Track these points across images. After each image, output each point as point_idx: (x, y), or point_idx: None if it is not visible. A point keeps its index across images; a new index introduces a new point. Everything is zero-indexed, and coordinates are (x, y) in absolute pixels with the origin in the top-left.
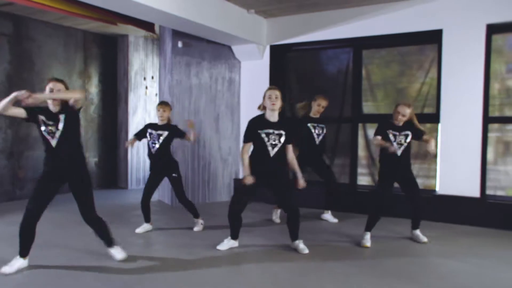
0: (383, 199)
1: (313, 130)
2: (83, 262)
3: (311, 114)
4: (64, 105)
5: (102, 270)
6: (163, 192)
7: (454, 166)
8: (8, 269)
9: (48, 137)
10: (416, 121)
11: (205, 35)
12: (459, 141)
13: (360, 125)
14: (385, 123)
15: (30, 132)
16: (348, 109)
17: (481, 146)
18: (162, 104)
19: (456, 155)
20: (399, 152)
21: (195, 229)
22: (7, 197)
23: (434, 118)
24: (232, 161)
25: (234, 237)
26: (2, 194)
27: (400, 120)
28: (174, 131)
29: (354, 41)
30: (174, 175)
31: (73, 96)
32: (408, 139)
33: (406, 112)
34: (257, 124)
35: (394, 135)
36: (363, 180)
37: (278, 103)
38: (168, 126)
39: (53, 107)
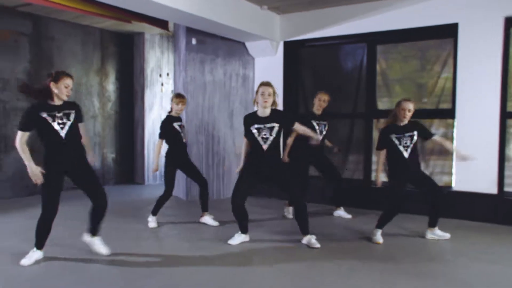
0: (399, 198)
1: (317, 127)
2: (94, 255)
3: (314, 110)
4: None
5: (113, 262)
6: (178, 187)
7: (471, 162)
8: (26, 261)
9: (58, 128)
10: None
11: (219, 32)
12: (475, 136)
13: (374, 121)
14: (386, 128)
15: None
16: (362, 105)
17: (499, 141)
18: (180, 97)
19: (472, 151)
20: (406, 155)
21: (207, 222)
22: (28, 192)
23: (450, 113)
24: None
25: (244, 231)
26: (23, 189)
27: (407, 117)
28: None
29: (368, 36)
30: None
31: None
32: (414, 140)
33: (411, 107)
34: (249, 120)
35: (398, 138)
36: None
37: (270, 100)
38: (181, 119)
39: (58, 101)
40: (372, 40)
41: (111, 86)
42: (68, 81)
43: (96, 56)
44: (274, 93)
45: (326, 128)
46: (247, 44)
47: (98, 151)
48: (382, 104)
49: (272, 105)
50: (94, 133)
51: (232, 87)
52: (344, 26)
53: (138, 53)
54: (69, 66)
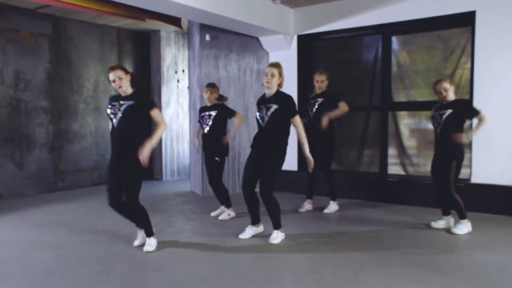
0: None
1: (314, 108)
2: (110, 247)
3: (316, 92)
4: (135, 91)
5: (124, 254)
6: (195, 183)
7: (489, 154)
8: (149, 247)
9: (112, 116)
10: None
11: (232, 27)
12: (493, 128)
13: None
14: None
15: (69, 127)
16: (377, 98)
17: None
18: (209, 86)
19: (490, 142)
20: (438, 131)
21: (221, 217)
22: (49, 188)
23: None
24: None
25: (254, 221)
26: (45, 186)
27: (442, 97)
28: (223, 110)
29: (382, 28)
30: (216, 158)
31: (162, 132)
32: (444, 117)
33: (446, 86)
34: (258, 102)
35: (433, 116)
36: (393, 169)
37: (273, 81)
38: (216, 106)
39: (122, 92)
40: (387, 31)
41: None
42: (109, 75)
43: (113, 54)
44: (280, 74)
45: (319, 102)
46: (261, 39)
47: None
48: (407, 96)
49: (279, 87)
50: None
51: (247, 82)
52: (357, 18)
53: (155, 50)
54: (87, 65)
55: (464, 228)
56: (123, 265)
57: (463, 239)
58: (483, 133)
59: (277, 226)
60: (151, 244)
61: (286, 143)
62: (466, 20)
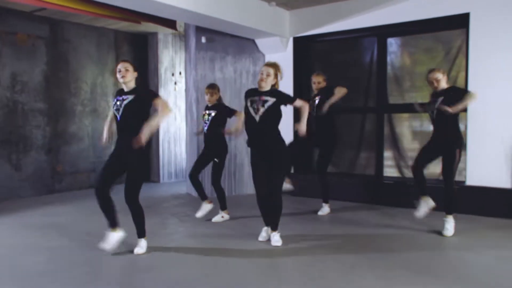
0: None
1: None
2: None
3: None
4: (137, 86)
5: (116, 256)
6: (191, 185)
7: (484, 156)
8: (139, 250)
9: (115, 112)
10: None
11: (228, 29)
12: (488, 129)
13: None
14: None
15: (67, 129)
16: (373, 100)
17: None
18: (209, 87)
19: (485, 144)
20: (433, 117)
21: (214, 219)
22: (47, 190)
23: None
24: None
25: (267, 224)
26: (42, 187)
27: (434, 87)
28: (222, 110)
29: (378, 30)
30: (215, 160)
31: (165, 116)
32: (437, 105)
33: (438, 77)
34: (248, 93)
35: (428, 104)
36: (389, 172)
37: (268, 80)
38: (216, 106)
39: (125, 87)
40: (382, 33)
41: None
42: (117, 66)
43: (111, 57)
44: (276, 75)
45: (318, 99)
46: (257, 41)
47: None
48: (409, 98)
49: (273, 87)
50: None
51: (243, 84)
52: (353, 20)
53: (152, 53)
54: (84, 67)
55: (451, 226)
56: (114, 267)
57: (455, 241)
58: (479, 134)
59: (277, 227)
60: (141, 246)
61: (280, 132)
62: (460, 22)
